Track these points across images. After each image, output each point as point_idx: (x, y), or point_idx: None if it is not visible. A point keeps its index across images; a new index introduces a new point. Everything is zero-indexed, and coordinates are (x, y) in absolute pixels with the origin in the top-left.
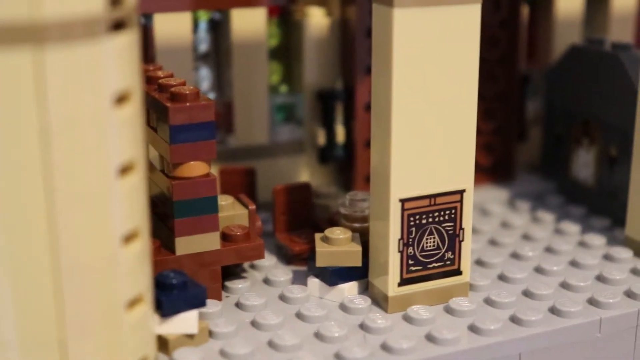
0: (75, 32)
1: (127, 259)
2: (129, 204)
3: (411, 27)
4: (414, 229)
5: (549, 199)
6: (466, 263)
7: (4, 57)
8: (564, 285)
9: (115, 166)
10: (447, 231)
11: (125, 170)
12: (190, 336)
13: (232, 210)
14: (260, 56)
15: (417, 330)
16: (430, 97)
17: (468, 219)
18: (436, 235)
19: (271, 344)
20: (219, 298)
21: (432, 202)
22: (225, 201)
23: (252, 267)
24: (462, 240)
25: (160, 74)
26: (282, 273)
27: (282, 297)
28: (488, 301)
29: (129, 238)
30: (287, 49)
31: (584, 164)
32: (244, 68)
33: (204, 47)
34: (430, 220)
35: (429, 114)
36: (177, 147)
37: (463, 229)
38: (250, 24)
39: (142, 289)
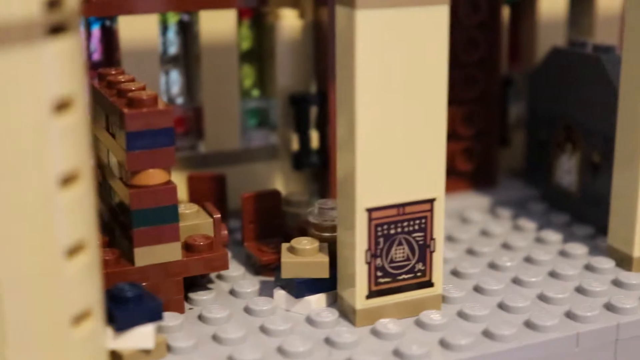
0: (9, 37)
1: (72, 273)
2: (73, 215)
3: (375, 30)
4: (382, 239)
5: (531, 206)
6: (438, 274)
7: None
8: (542, 298)
9: (56, 176)
10: (417, 241)
11: (68, 180)
12: (147, 351)
13: (196, 219)
14: (231, 59)
15: (385, 345)
16: (397, 102)
17: (439, 229)
18: (406, 246)
19: None
20: (181, 311)
21: (401, 212)
22: (189, 209)
23: (219, 277)
24: (434, 251)
25: (121, 78)
26: (248, 284)
27: (247, 310)
28: (461, 314)
29: (74, 250)
30: (259, 52)
31: (566, 170)
32: (214, 72)
33: (173, 50)
34: (399, 230)
35: (396, 119)
36: (134, 155)
37: (434, 239)
38: (220, 26)
39: (90, 303)
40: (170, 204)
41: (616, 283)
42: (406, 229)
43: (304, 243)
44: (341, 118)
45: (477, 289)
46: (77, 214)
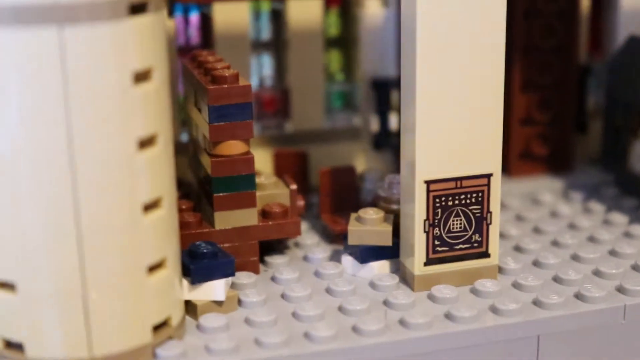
0: (94, 14)
1: (148, 226)
2: (151, 173)
3: (435, 11)
4: (439, 210)
5: (604, 190)
6: (494, 246)
7: (31, 34)
8: (596, 273)
9: (136, 139)
10: (474, 214)
11: (146, 142)
12: (219, 303)
13: (274, 189)
14: (317, 45)
15: (437, 308)
16: (456, 81)
17: (496, 203)
18: (463, 218)
19: (294, 315)
20: (256, 271)
21: (458, 185)
22: (268, 180)
23: (296, 245)
24: (490, 223)
25: (210, 59)
26: (320, 251)
27: (316, 273)
28: (515, 284)
29: (150, 206)
30: (345, 38)
31: (639, 155)
32: (301, 56)
33: (265, 35)
34: (457, 202)
35: (455, 97)
36: (216, 127)
37: (491, 212)
38: (307, 14)
39: (164, 255)
40: (247, 172)
41: None
42: (463, 202)
43: (370, 213)
44: (404, 96)
45: (535, 263)
46: (154, 172)
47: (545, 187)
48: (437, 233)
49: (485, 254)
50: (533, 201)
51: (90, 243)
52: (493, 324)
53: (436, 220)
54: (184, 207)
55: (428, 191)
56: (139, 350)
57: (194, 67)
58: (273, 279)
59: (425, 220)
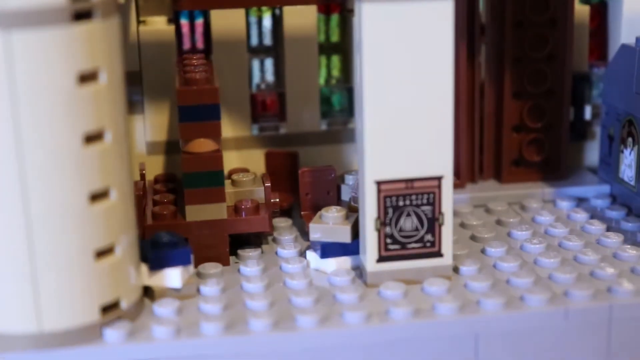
0: (40, 19)
1: (95, 214)
2: (98, 166)
3: (380, 21)
4: (391, 209)
5: (593, 199)
6: (447, 246)
7: None
8: (550, 277)
9: (81, 134)
10: (425, 215)
11: (93, 137)
12: (177, 290)
13: (250, 186)
14: (312, 50)
15: (380, 304)
16: (404, 85)
17: (448, 204)
18: (414, 218)
19: (244, 305)
20: (225, 263)
21: (409, 186)
22: (247, 177)
23: (273, 240)
24: (442, 224)
25: (194, 62)
26: (293, 247)
27: (281, 267)
28: (464, 285)
29: (98, 196)
30: (346, 44)
31: (628, 164)
32: (296, 61)
33: (267, 40)
34: (408, 203)
35: (403, 101)
36: (184, 126)
37: (442, 214)
38: (302, 19)
39: (113, 241)
40: (216, 169)
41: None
42: (414, 202)
43: (333, 211)
44: (357, 101)
45: (495, 266)
46: (102, 165)
47: (534, 194)
48: (388, 232)
49: (438, 254)
50: (518, 207)
51: (39, 228)
52: (426, 321)
53: (387, 219)
54: (165, 200)
55: (378, 191)
56: (86, 328)
57: (179, 69)
58: (239, 271)
59: (376, 219)
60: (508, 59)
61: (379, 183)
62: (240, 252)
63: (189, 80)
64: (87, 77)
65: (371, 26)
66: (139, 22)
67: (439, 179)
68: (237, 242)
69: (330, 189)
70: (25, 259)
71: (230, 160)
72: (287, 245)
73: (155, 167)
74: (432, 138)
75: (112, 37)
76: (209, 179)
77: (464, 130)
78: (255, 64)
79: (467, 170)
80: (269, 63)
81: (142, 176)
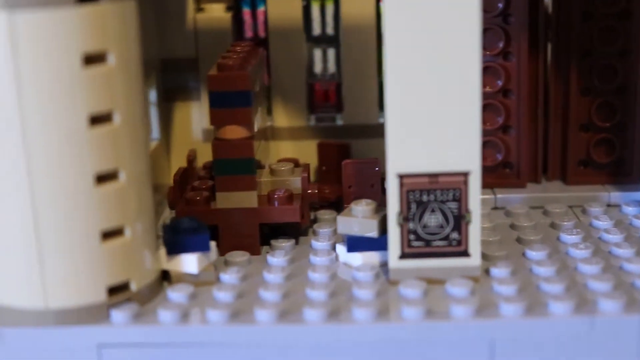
0: (43, 0)
1: (101, 195)
2: (105, 147)
3: (403, 9)
4: (414, 204)
5: None
6: (475, 245)
7: None
8: (583, 286)
9: (85, 115)
10: (451, 211)
11: (99, 119)
12: (194, 276)
13: (287, 176)
14: (370, 40)
15: (396, 301)
16: (429, 77)
17: (475, 201)
18: (439, 214)
19: (259, 295)
20: (256, 252)
21: (433, 181)
22: (284, 167)
23: (313, 233)
24: (469, 222)
25: (238, 49)
26: (327, 239)
27: (310, 259)
28: (490, 288)
29: (105, 177)
30: None
31: None
32: (353, 51)
33: (330, 30)
34: (432, 198)
35: (427, 94)
36: (215, 112)
37: (469, 211)
38: (359, 9)
39: (121, 223)
40: (246, 156)
41: None
42: (439, 198)
43: (362, 204)
44: (386, 93)
45: (532, 270)
46: (110, 147)
47: (599, 197)
48: (412, 227)
49: (465, 253)
50: (580, 210)
51: (45, 207)
52: (437, 322)
53: (411, 214)
54: (203, 186)
55: (401, 185)
56: (92, 307)
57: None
58: (267, 261)
59: (398, 214)
60: (575, 53)
61: (401, 176)
62: (273, 242)
63: (222, 66)
64: (93, 59)
65: (394, 14)
66: (197, 9)
67: (465, 174)
68: (277, 232)
69: (374, 182)
70: (32, 237)
71: (285, 149)
72: (322, 238)
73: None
74: (458, 131)
75: (123, 19)
76: (239, 166)
77: (526, 127)
78: (317, 53)
79: (528, 169)
80: (331, 53)
81: (189, 162)
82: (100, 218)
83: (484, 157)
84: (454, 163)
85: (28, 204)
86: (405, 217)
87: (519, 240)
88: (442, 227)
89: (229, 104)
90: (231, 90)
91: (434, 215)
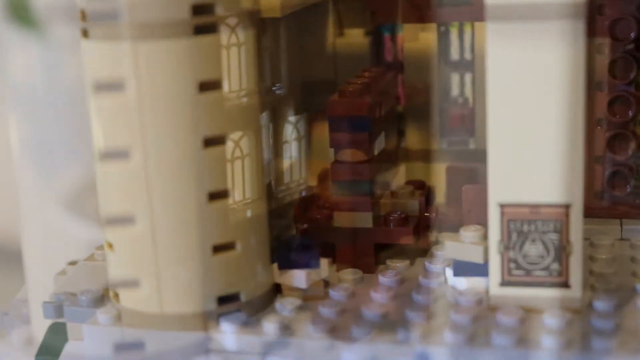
0: (163, 32)
1: (212, 212)
2: (216, 167)
3: (505, 40)
4: (515, 234)
5: None
6: (576, 277)
7: (114, 47)
8: None
9: (201, 138)
10: (552, 242)
11: (211, 142)
12: (302, 290)
13: (406, 198)
14: None
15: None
16: (531, 109)
17: (577, 233)
18: (540, 244)
19: (353, 312)
20: (371, 271)
21: (534, 212)
22: (404, 190)
23: (431, 255)
24: (570, 253)
25: (366, 74)
26: (442, 262)
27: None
28: (586, 324)
29: (216, 195)
30: None
31: None
32: (484, 75)
33: (468, 55)
34: (533, 228)
35: (529, 127)
36: (334, 135)
37: (570, 243)
38: None
39: (232, 239)
40: (363, 179)
41: None
42: (540, 229)
43: (471, 229)
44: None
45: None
46: (219, 168)
47: None
48: (512, 256)
49: (565, 284)
50: None
51: (161, 222)
52: (522, 351)
53: (511, 244)
54: (326, 205)
55: (502, 214)
56: (203, 314)
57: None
58: (378, 280)
59: (499, 242)
60: None
61: (502, 206)
62: (388, 262)
63: (343, 92)
64: (207, 86)
65: (496, 45)
66: (339, 34)
67: (566, 207)
68: (399, 253)
69: None
70: (150, 249)
71: (415, 171)
72: (435, 260)
73: None
74: (560, 164)
75: (237, 48)
76: (355, 187)
77: None
78: (455, 78)
79: None
80: (467, 78)
81: (320, 181)
82: (213, 233)
83: (613, 187)
84: (556, 195)
85: (147, 219)
86: (506, 246)
87: (634, 274)
88: (542, 257)
89: (347, 128)
90: (349, 115)
91: (535, 245)
